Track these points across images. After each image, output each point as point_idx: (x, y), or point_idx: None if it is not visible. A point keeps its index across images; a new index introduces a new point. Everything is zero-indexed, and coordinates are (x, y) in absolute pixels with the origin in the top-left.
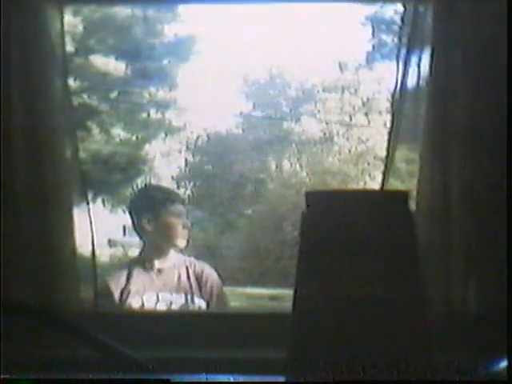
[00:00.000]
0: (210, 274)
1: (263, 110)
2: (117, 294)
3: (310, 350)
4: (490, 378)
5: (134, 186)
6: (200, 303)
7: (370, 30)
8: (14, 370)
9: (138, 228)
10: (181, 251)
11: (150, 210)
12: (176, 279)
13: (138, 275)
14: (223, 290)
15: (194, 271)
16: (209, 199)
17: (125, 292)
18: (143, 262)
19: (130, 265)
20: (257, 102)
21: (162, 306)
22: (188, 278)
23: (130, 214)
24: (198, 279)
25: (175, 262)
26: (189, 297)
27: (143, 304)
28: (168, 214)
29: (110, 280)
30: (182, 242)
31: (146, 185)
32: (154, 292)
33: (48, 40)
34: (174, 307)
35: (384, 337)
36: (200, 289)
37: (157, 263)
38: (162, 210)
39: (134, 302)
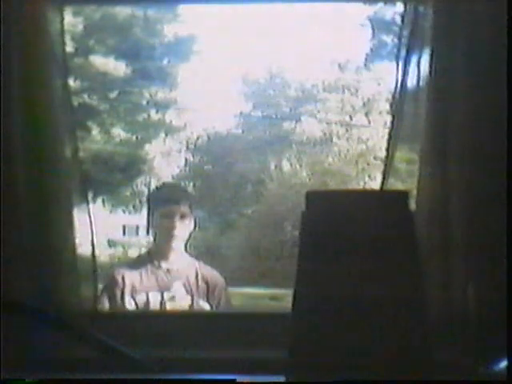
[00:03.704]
0: (219, 281)
1: (263, 110)
2: (122, 289)
3: (309, 349)
4: (490, 378)
5: (134, 186)
6: (205, 306)
7: (370, 30)
8: (14, 369)
9: (149, 225)
10: (190, 254)
11: (159, 207)
12: (184, 280)
13: (146, 272)
14: (229, 299)
15: (203, 276)
16: (209, 199)
17: (130, 288)
18: (152, 260)
19: (139, 261)
20: (257, 102)
21: (166, 305)
22: (196, 280)
23: (148, 210)
24: (207, 284)
25: (185, 264)
26: (195, 298)
27: (148, 301)
28: (167, 214)
29: (118, 274)
30: (178, 243)
31: (163, 183)
32: (159, 290)
33: (48, 40)
34: (179, 307)
35: (384, 337)
36: (207, 293)
37: (166, 262)
38: (163, 208)
39: (139, 299)
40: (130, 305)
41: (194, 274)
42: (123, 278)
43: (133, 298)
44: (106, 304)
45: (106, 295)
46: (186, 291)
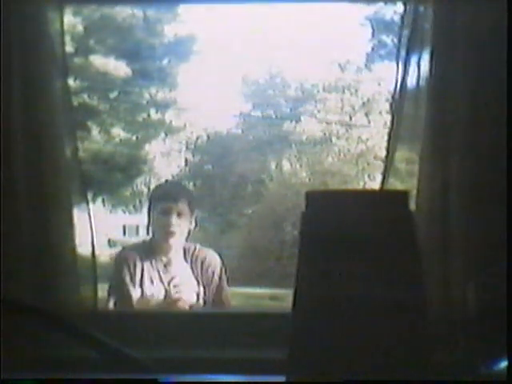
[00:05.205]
0: (213, 260)
1: (263, 110)
2: (131, 278)
3: (310, 349)
4: (490, 378)
5: (134, 186)
6: (200, 291)
7: (370, 31)
8: (14, 369)
9: (148, 221)
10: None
11: (157, 204)
12: (184, 276)
13: (149, 265)
14: (224, 278)
15: (198, 258)
16: (209, 199)
17: (140, 277)
18: (153, 254)
19: (143, 253)
20: (256, 102)
21: (169, 299)
22: (192, 267)
23: (148, 207)
24: (202, 264)
25: (181, 253)
26: (196, 291)
27: (153, 293)
28: (165, 211)
29: (128, 261)
30: (176, 240)
31: (165, 180)
32: (162, 283)
33: (48, 40)
34: (183, 299)
35: (384, 337)
36: (201, 272)
37: (165, 257)
38: (161, 205)
39: (145, 290)
40: (136, 294)
41: (189, 262)
42: (135, 267)
43: (140, 287)
44: (114, 292)
45: (115, 282)
46: (187, 287)
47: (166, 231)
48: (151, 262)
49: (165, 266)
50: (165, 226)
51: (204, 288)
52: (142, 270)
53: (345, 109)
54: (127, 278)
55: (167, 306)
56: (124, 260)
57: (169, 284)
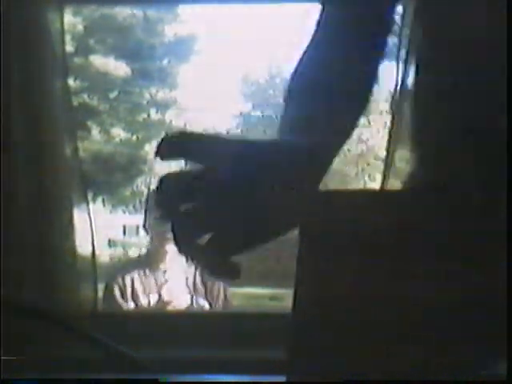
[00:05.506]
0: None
1: (263, 110)
2: (123, 293)
3: (310, 349)
4: (490, 378)
5: (134, 186)
6: (205, 305)
7: None
8: (14, 369)
9: (146, 226)
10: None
11: (153, 210)
12: (182, 281)
13: (145, 274)
14: (228, 295)
15: (202, 274)
16: None
17: (131, 290)
18: (150, 261)
19: (138, 263)
20: (256, 102)
21: (165, 306)
22: (194, 279)
23: (145, 210)
24: (205, 283)
25: (182, 265)
26: (194, 298)
27: (148, 303)
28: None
29: (116, 280)
30: (171, 246)
31: None
32: (158, 292)
33: (48, 40)
34: (179, 307)
35: (384, 337)
36: (206, 291)
37: (163, 264)
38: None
39: (140, 302)
40: (130, 307)
41: (192, 274)
42: (123, 281)
43: (133, 300)
44: (106, 308)
45: (106, 300)
46: (185, 291)
47: (162, 237)
48: (146, 270)
49: (160, 271)
50: (161, 232)
51: (207, 296)
52: (133, 282)
53: None
54: (118, 296)
55: (160, 307)
56: (113, 279)
57: (162, 287)
